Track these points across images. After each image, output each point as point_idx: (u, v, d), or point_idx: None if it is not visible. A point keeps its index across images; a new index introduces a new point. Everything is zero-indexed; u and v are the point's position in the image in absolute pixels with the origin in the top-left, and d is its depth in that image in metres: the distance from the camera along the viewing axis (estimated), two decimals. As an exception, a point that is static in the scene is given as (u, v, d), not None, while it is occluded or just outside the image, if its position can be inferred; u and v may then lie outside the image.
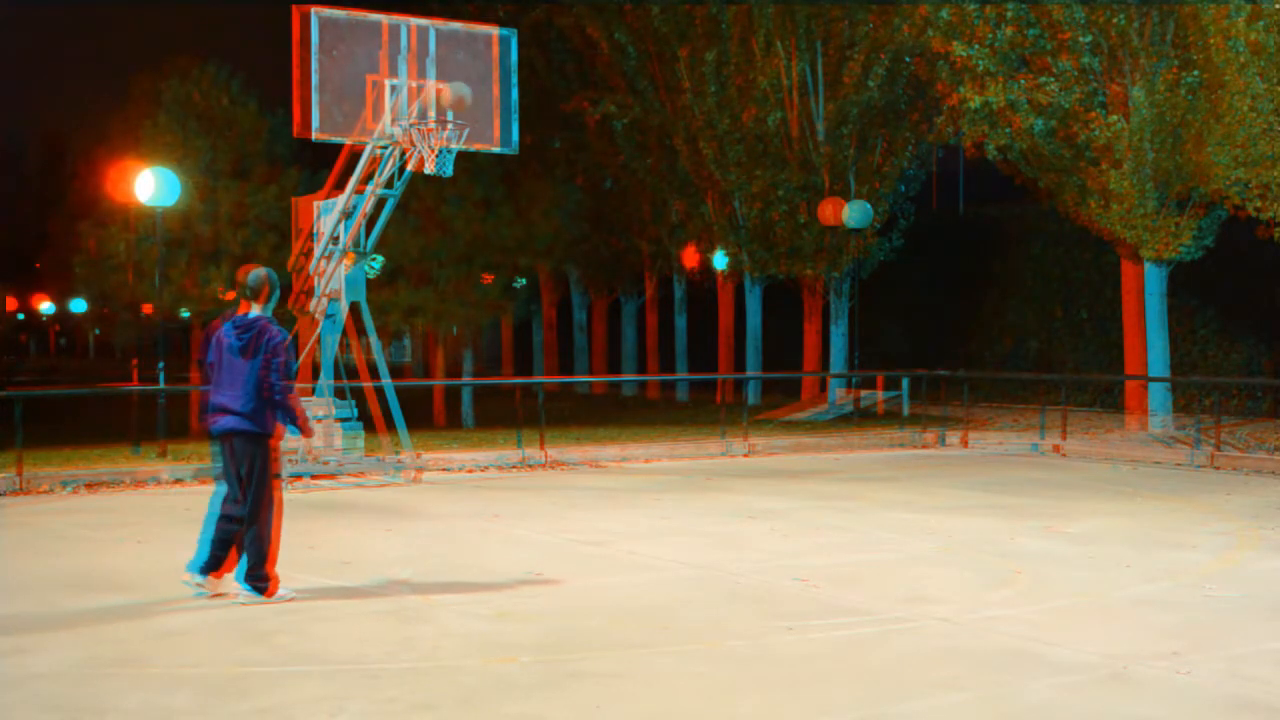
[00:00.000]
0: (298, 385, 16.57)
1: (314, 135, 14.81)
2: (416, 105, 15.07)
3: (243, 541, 8.74)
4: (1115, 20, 19.92)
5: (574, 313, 36.54)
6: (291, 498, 14.10)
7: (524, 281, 30.84)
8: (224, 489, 8.81)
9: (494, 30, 15.97)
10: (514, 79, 15.92)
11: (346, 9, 15.06)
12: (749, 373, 29.24)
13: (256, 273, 8.86)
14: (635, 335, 36.54)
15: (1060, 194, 21.93)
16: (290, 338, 9.22)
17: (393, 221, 19.72)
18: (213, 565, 8.74)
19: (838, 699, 6.36)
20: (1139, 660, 6.98)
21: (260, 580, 8.67)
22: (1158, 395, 21.57)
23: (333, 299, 15.96)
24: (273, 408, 8.72)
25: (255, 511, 8.73)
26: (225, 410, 8.71)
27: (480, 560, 10.16)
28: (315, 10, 14.74)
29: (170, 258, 22.13)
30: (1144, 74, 20.14)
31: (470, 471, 16.77)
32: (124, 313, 26.99)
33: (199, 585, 8.71)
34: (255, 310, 8.86)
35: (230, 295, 23.79)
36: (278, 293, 8.98)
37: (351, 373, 17.30)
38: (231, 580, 8.75)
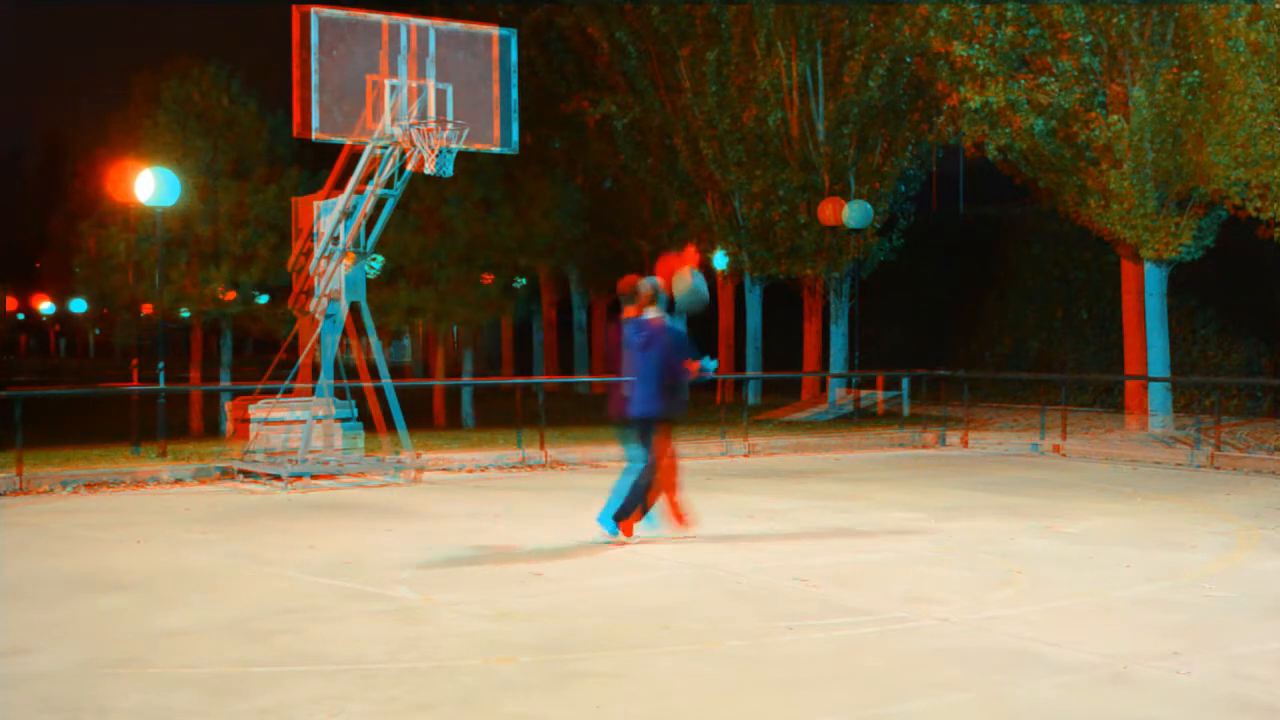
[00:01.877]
0: (297, 386, 16.63)
1: (314, 135, 14.82)
2: (416, 105, 15.08)
3: (641, 495, 10.65)
4: (1115, 20, 19.92)
5: (574, 313, 36.54)
6: (292, 498, 14.12)
7: (524, 281, 30.88)
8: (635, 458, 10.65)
9: (494, 30, 15.97)
10: (514, 79, 15.91)
11: (346, 9, 15.06)
12: (749, 373, 29.24)
13: (649, 281, 10.72)
14: (635, 335, 36.44)
15: (1060, 194, 21.92)
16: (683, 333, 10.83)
17: (393, 221, 19.74)
18: (623, 516, 10.64)
19: (837, 699, 6.36)
20: (1139, 660, 6.98)
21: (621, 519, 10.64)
22: (1158, 395, 21.57)
23: (333, 299, 15.96)
24: (672, 392, 10.58)
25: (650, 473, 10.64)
26: (638, 399, 10.58)
27: (480, 560, 10.16)
28: (315, 10, 14.74)
29: (170, 258, 22.14)
30: (1144, 74, 20.14)
31: (470, 471, 16.77)
32: (124, 313, 27.01)
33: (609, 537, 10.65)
34: (650, 312, 10.65)
35: (230, 295, 23.85)
36: (662, 296, 10.74)
37: (351, 373, 17.31)
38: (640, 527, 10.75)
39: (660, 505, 10.88)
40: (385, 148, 15.16)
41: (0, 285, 63.18)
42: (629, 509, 10.67)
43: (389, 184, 15.52)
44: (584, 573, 9.60)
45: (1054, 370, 27.38)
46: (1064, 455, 18.93)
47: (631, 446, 10.76)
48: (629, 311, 10.82)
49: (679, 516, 10.95)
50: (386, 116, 14.90)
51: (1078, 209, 21.71)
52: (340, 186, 15.85)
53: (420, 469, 16.05)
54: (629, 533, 10.72)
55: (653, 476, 10.70)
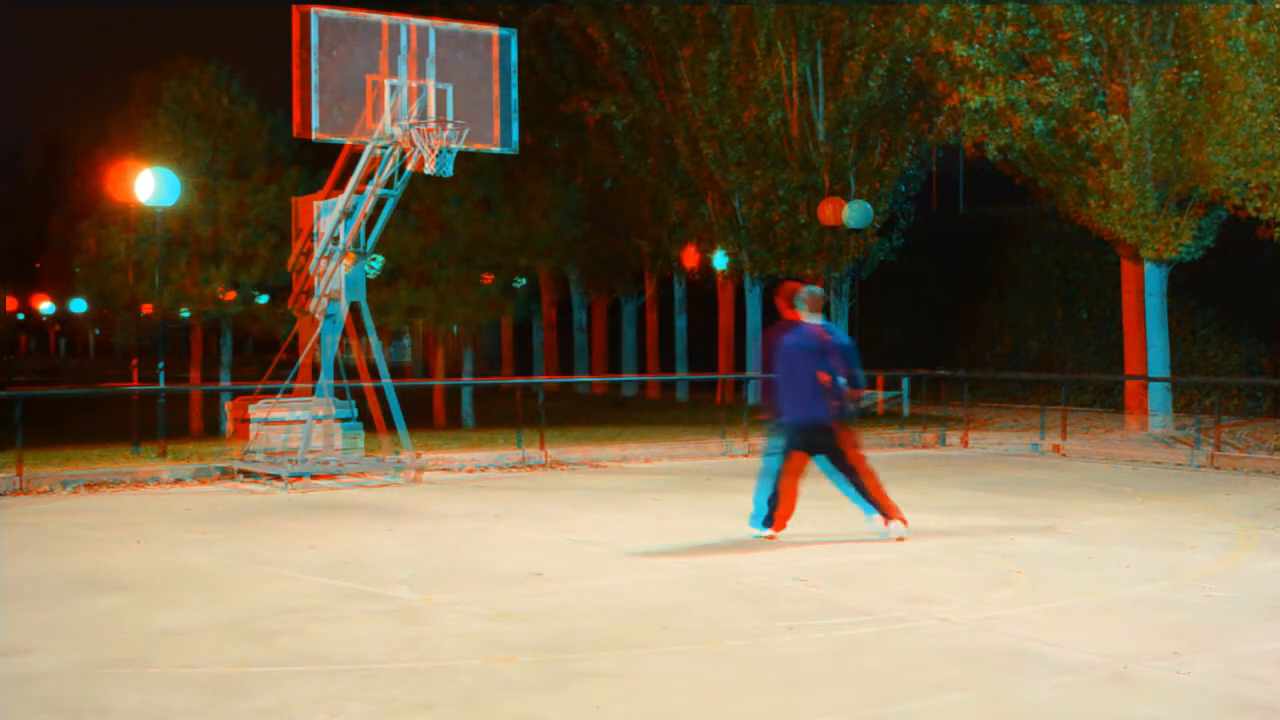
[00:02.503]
0: (297, 386, 16.62)
1: (314, 135, 14.81)
2: (416, 105, 15.07)
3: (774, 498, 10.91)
4: (1115, 20, 19.91)
5: (574, 313, 36.55)
6: (292, 498, 14.12)
7: (524, 281, 30.88)
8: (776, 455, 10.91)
9: (494, 30, 15.96)
10: (514, 79, 15.91)
11: (346, 9, 15.06)
12: (749, 373, 29.23)
13: (814, 289, 10.94)
14: (635, 335, 36.53)
15: (1060, 194, 21.92)
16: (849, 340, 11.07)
17: (393, 221, 19.73)
18: (770, 521, 10.92)
19: (838, 699, 6.36)
20: (1139, 660, 6.98)
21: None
22: (1158, 395, 21.56)
23: (333, 299, 15.96)
24: (835, 397, 10.76)
25: (851, 475, 10.89)
26: (795, 404, 10.75)
27: (480, 560, 10.16)
28: (315, 10, 14.73)
29: (170, 258, 22.13)
30: (1144, 74, 20.14)
31: (470, 471, 16.77)
32: (124, 313, 27.00)
33: (765, 536, 10.89)
34: (816, 319, 10.88)
35: (230, 295, 23.82)
36: (809, 303, 10.92)
37: (351, 373, 17.31)
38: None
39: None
40: (385, 148, 15.16)
41: (0, 285, 63.17)
42: (876, 504, 10.90)
43: (389, 184, 15.51)
44: (584, 573, 9.60)
45: (1054, 370, 27.37)
46: (1064, 455, 18.92)
47: (775, 449, 11.01)
48: (792, 316, 11.01)
49: (779, 520, 11.07)
50: (386, 116, 14.90)
51: (1078, 209, 21.70)
52: (340, 186, 15.85)
53: (420, 469, 16.05)
54: (898, 515, 10.90)
55: (858, 475, 10.98)
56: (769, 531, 11.00)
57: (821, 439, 10.87)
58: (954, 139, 26.11)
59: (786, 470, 10.97)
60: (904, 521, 10.91)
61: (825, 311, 11.36)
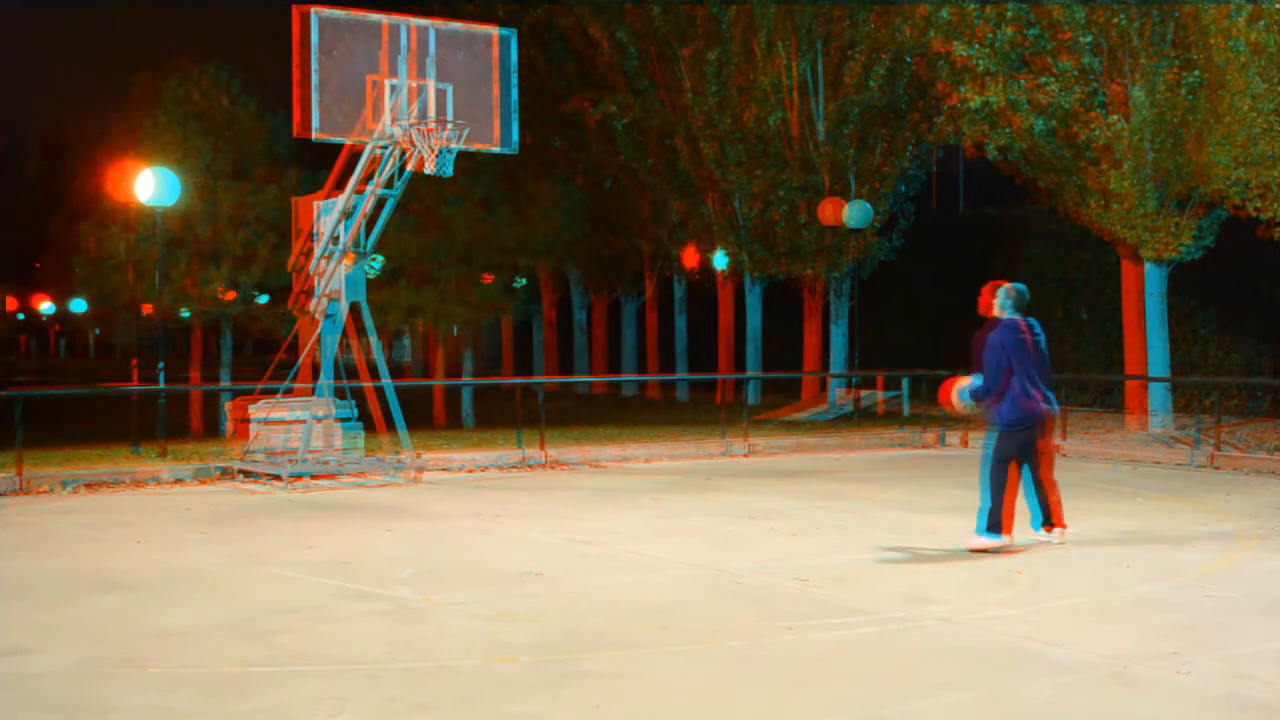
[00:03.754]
0: (297, 386, 16.62)
1: (314, 135, 14.81)
2: (416, 105, 15.07)
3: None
4: (1115, 20, 19.91)
5: (574, 313, 36.56)
6: (291, 498, 14.12)
7: (524, 281, 30.90)
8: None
9: (494, 30, 15.96)
10: (514, 79, 15.91)
11: (346, 9, 15.06)
12: (749, 373, 29.23)
13: (1019, 286, 11.07)
14: (635, 335, 36.53)
15: (1060, 194, 21.91)
16: (1000, 342, 10.76)
17: (393, 221, 19.74)
18: (1045, 520, 10.71)
19: (838, 699, 6.36)
20: (1139, 660, 6.98)
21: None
22: (1158, 395, 21.56)
23: (333, 299, 15.96)
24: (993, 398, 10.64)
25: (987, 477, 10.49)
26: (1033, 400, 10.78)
27: (480, 560, 10.16)
28: (315, 10, 14.73)
29: (170, 258, 22.14)
30: (1144, 74, 20.14)
31: (470, 471, 16.77)
32: (124, 313, 27.03)
33: (1043, 540, 10.67)
34: (1012, 316, 10.86)
35: (230, 295, 23.82)
36: (1015, 301, 10.97)
37: (351, 373, 17.31)
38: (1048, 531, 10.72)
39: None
40: (385, 148, 15.16)
41: (0, 285, 63.10)
42: (1044, 512, 10.76)
43: (389, 184, 15.51)
44: (584, 573, 9.60)
45: (1054, 370, 27.34)
46: (1064, 455, 18.90)
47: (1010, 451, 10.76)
48: (993, 312, 11.07)
49: (1056, 514, 10.81)
50: (386, 116, 14.90)
51: (1078, 209, 21.70)
52: (340, 186, 15.85)
53: (420, 469, 16.05)
54: (1056, 527, 10.77)
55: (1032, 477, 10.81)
56: (1052, 535, 10.74)
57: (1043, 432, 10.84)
58: (954, 139, 26.08)
59: (1045, 465, 10.76)
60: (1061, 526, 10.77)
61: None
